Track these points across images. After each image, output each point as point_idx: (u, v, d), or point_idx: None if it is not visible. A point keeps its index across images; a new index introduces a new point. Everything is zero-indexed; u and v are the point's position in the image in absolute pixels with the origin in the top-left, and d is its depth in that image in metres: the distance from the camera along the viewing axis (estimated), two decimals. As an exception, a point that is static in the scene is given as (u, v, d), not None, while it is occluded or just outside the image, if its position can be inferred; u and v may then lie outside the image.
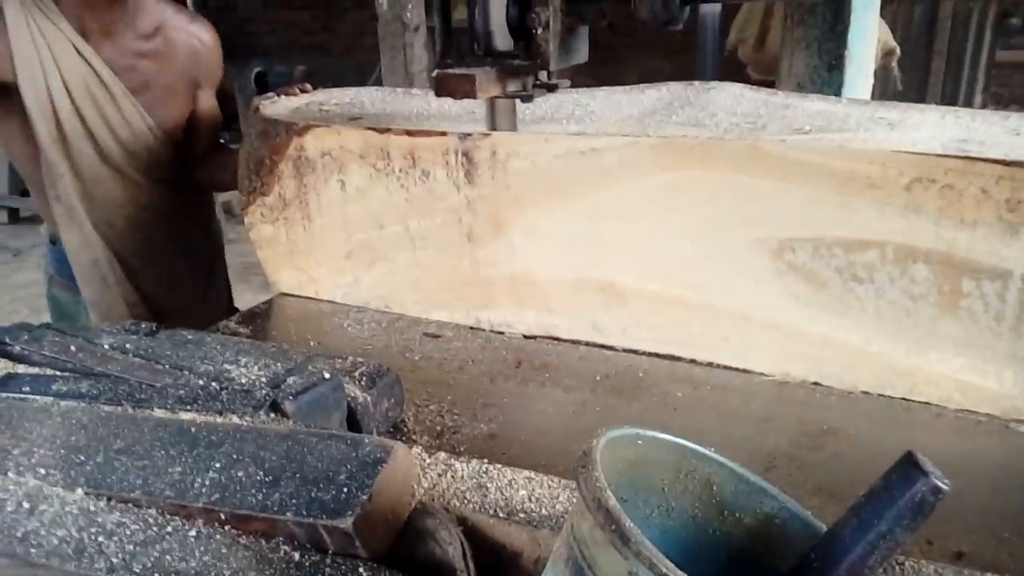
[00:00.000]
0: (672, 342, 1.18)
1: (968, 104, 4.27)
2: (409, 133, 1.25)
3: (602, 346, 1.22)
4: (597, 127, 1.21)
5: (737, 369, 1.14)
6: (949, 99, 4.24)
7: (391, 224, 1.33)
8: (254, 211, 1.46)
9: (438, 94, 1.09)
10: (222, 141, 1.95)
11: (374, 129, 1.28)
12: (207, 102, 1.85)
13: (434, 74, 1.09)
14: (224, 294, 2.02)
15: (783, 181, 1.02)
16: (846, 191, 0.99)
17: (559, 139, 1.16)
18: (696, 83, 1.42)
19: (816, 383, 1.09)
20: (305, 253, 1.44)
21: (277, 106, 1.51)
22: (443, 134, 1.22)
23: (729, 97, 1.33)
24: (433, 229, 1.29)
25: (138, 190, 1.76)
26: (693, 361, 1.16)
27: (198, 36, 1.80)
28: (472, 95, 1.07)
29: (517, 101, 1.18)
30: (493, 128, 1.19)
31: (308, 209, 1.40)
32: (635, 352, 1.20)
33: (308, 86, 1.65)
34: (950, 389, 1.01)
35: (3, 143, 1.74)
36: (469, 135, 1.20)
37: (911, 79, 4.13)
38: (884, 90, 3.90)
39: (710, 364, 1.15)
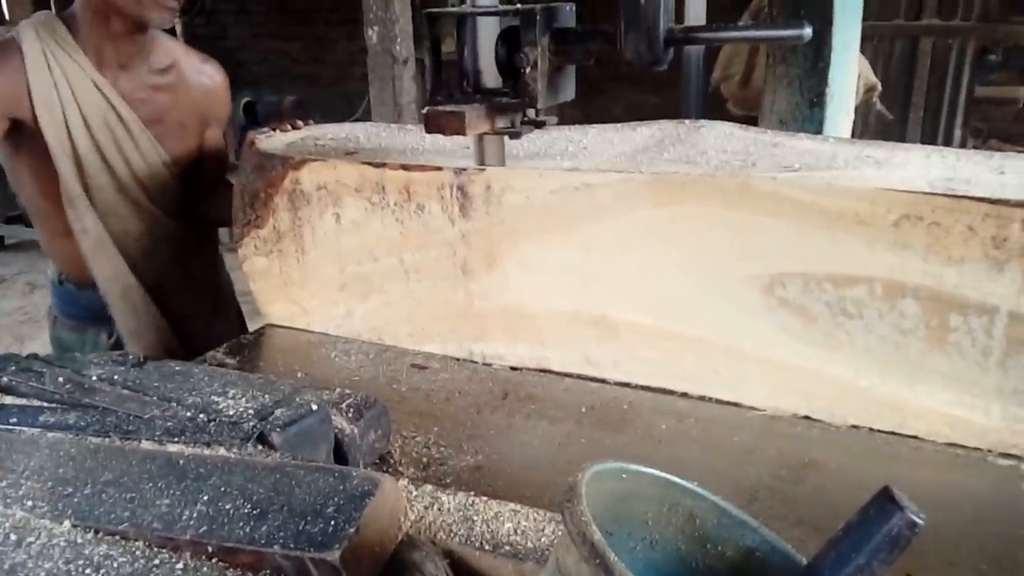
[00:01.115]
0: (664, 375, 1.19)
1: (948, 138, 4.34)
2: (405, 167, 1.27)
3: (593, 379, 1.23)
4: (591, 163, 1.23)
5: (728, 403, 1.15)
6: (929, 134, 4.31)
7: (385, 257, 1.34)
8: (248, 243, 1.47)
9: (428, 130, 1.11)
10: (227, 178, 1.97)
11: (370, 163, 1.30)
12: (215, 139, 1.88)
13: (424, 111, 1.11)
14: (235, 325, 2.02)
15: (774, 217, 1.05)
16: (835, 227, 1.01)
17: (553, 174, 1.18)
18: (687, 121, 1.44)
19: (807, 417, 1.10)
20: (298, 285, 1.45)
21: (272, 140, 1.53)
22: (438, 169, 1.24)
23: (719, 135, 1.36)
24: (427, 262, 1.31)
25: (153, 222, 1.77)
26: (685, 394, 1.18)
27: (209, 75, 1.83)
28: (461, 132, 1.08)
29: (506, 137, 1.20)
30: (482, 163, 1.21)
31: (302, 242, 1.41)
32: (627, 385, 1.21)
33: (300, 122, 1.66)
34: (938, 423, 1.03)
35: (15, 182, 1.74)
36: (464, 170, 1.22)
37: (892, 114, 4.20)
38: (865, 125, 3.96)
39: (702, 398, 1.17)
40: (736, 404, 1.14)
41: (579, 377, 1.24)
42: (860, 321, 1.03)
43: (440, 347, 1.35)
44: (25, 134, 1.61)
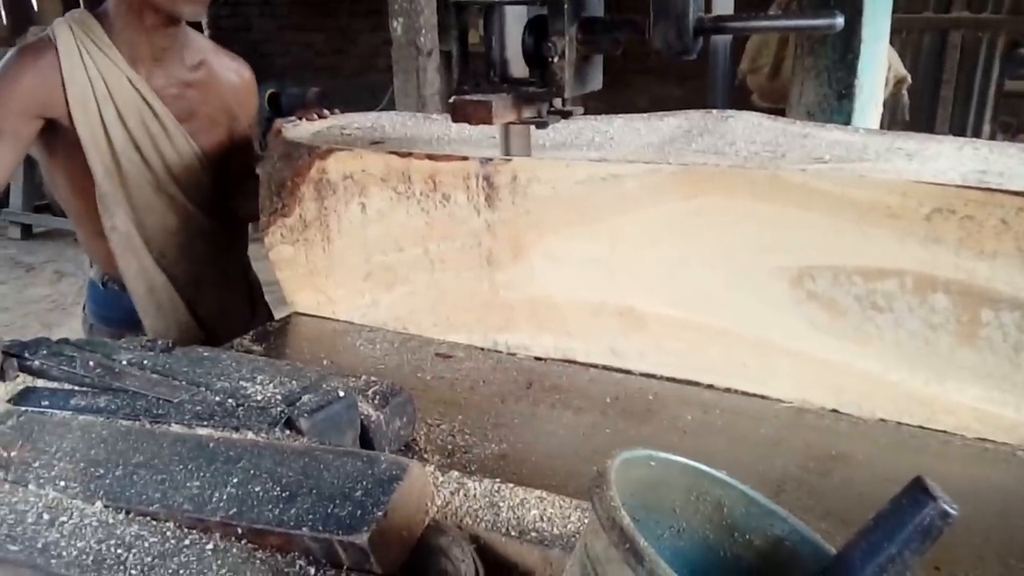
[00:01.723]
0: (690, 367, 1.18)
1: (976, 132, 4.29)
2: (430, 157, 1.27)
3: (619, 370, 1.23)
4: (618, 154, 1.23)
5: (756, 395, 1.14)
6: (958, 128, 4.26)
7: (411, 247, 1.34)
8: (274, 232, 1.48)
9: (454, 120, 1.11)
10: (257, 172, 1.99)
11: (396, 153, 1.30)
12: (243, 134, 1.89)
13: (451, 100, 1.11)
14: (265, 322, 2.02)
15: (803, 210, 1.04)
16: (866, 220, 1.00)
17: (580, 165, 1.17)
18: (714, 111, 1.43)
19: (835, 410, 1.09)
20: (324, 274, 1.45)
21: (299, 129, 1.53)
22: (464, 159, 1.24)
23: (747, 126, 1.35)
24: (453, 252, 1.31)
25: (189, 218, 1.78)
26: (711, 386, 1.17)
27: (238, 72, 1.84)
28: (488, 121, 1.09)
29: (532, 127, 1.20)
30: (507, 153, 1.21)
31: (328, 231, 1.41)
32: (653, 376, 1.20)
33: (327, 111, 1.67)
34: (968, 418, 1.02)
35: (51, 183, 1.76)
36: (490, 160, 1.22)
37: (920, 108, 4.15)
38: (894, 118, 3.92)
39: (728, 390, 1.16)
40: (764, 397, 1.13)
41: (604, 368, 1.24)
42: (890, 315, 1.02)
43: (465, 337, 1.35)
44: (59, 133, 1.62)
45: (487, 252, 1.28)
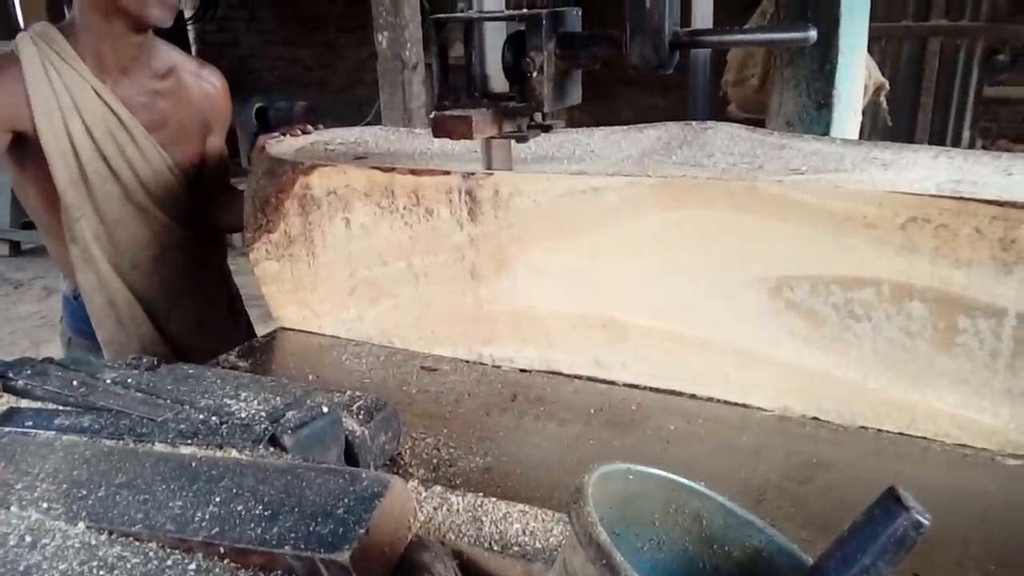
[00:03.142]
0: (672, 377, 1.19)
1: (956, 139, 4.32)
2: (413, 172, 1.28)
3: (603, 380, 1.24)
4: (598, 167, 1.24)
5: (737, 404, 1.15)
6: (938, 134, 4.29)
7: (395, 261, 1.35)
8: (259, 248, 1.49)
9: (435, 135, 1.12)
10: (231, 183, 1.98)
11: (379, 168, 1.31)
12: (217, 146, 1.89)
13: (431, 116, 1.12)
14: (246, 333, 2.02)
15: (781, 220, 1.05)
16: (843, 230, 1.01)
17: (561, 179, 1.18)
18: (693, 123, 1.45)
19: (816, 418, 1.10)
20: (309, 289, 1.46)
21: (283, 145, 1.54)
22: (447, 173, 1.25)
23: (726, 137, 1.36)
24: (436, 266, 1.32)
25: (161, 229, 1.78)
26: (693, 396, 1.18)
27: (209, 80, 1.84)
28: (469, 136, 1.09)
29: (513, 141, 1.21)
30: (489, 167, 1.22)
31: (313, 246, 1.42)
32: (636, 387, 1.21)
33: (310, 127, 1.67)
34: (948, 425, 1.03)
35: (21, 195, 1.75)
36: (472, 174, 1.23)
37: (900, 115, 4.19)
38: (874, 125, 3.95)
39: (710, 399, 1.17)
40: (745, 405, 1.14)
41: (588, 379, 1.25)
42: (868, 323, 1.03)
43: (450, 350, 1.36)
44: (28, 147, 1.62)
45: (470, 266, 1.29)
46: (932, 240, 0.97)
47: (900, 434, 1.05)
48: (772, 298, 1.08)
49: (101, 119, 1.63)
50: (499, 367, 1.31)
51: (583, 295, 1.22)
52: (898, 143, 1.27)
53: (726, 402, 1.16)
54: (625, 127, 1.48)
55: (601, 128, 1.49)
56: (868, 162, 1.16)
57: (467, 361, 1.34)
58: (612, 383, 1.23)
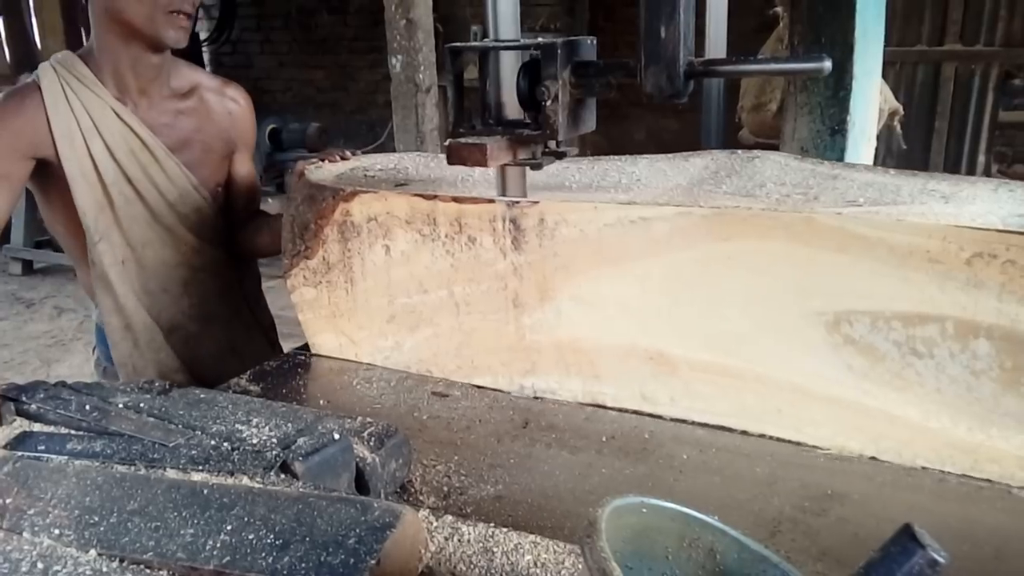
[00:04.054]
0: (723, 413, 1.16)
1: (972, 164, 4.32)
2: (456, 200, 1.26)
3: (649, 415, 1.21)
4: (646, 196, 1.21)
5: (791, 442, 1.12)
6: (953, 159, 4.29)
7: (435, 289, 1.33)
8: (297, 274, 1.47)
9: (450, 162, 1.12)
10: (262, 207, 1.95)
11: (421, 196, 1.29)
12: (245, 166, 1.87)
13: (447, 143, 1.12)
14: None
15: (840, 253, 1.03)
16: (906, 264, 0.99)
17: (609, 208, 1.16)
18: (739, 152, 1.42)
19: (873, 458, 1.07)
20: (347, 316, 1.44)
21: (322, 171, 1.52)
22: (491, 201, 1.23)
23: (775, 167, 1.33)
24: (478, 295, 1.30)
25: (190, 251, 1.75)
26: (745, 433, 1.15)
27: (233, 97, 1.82)
28: (483, 163, 1.10)
29: (527, 168, 1.21)
30: (503, 194, 1.22)
31: (352, 273, 1.40)
32: (684, 422, 1.19)
33: (348, 153, 1.65)
34: (1013, 466, 1.00)
35: (50, 224, 1.74)
36: (517, 203, 1.22)
37: (915, 140, 4.19)
38: (888, 150, 3.95)
39: (762, 436, 1.14)
40: (798, 444, 1.11)
41: (634, 413, 1.22)
42: (930, 361, 1.00)
43: (490, 380, 1.33)
44: (51, 173, 1.62)
45: (513, 295, 1.27)
46: (999, 276, 0.94)
47: (965, 476, 1.02)
48: (830, 333, 1.06)
49: (122, 140, 1.63)
50: (509, 393, 1.30)
51: (630, 327, 1.19)
52: (954, 175, 1.23)
53: (780, 439, 1.13)
54: (669, 155, 1.45)
55: (644, 156, 1.47)
56: (926, 194, 1.12)
57: (479, 387, 1.33)
58: (660, 418, 1.20)
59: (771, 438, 1.13)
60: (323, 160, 1.60)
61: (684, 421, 1.19)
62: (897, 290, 1.00)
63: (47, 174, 1.63)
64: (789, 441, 1.12)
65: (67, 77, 1.61)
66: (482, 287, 1.29)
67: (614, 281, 1.19)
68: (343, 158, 1.63)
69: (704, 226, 1.10)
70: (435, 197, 1.28)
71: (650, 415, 1.21)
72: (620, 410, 1.23)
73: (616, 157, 1.48)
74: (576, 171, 1.39)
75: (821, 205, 1.09)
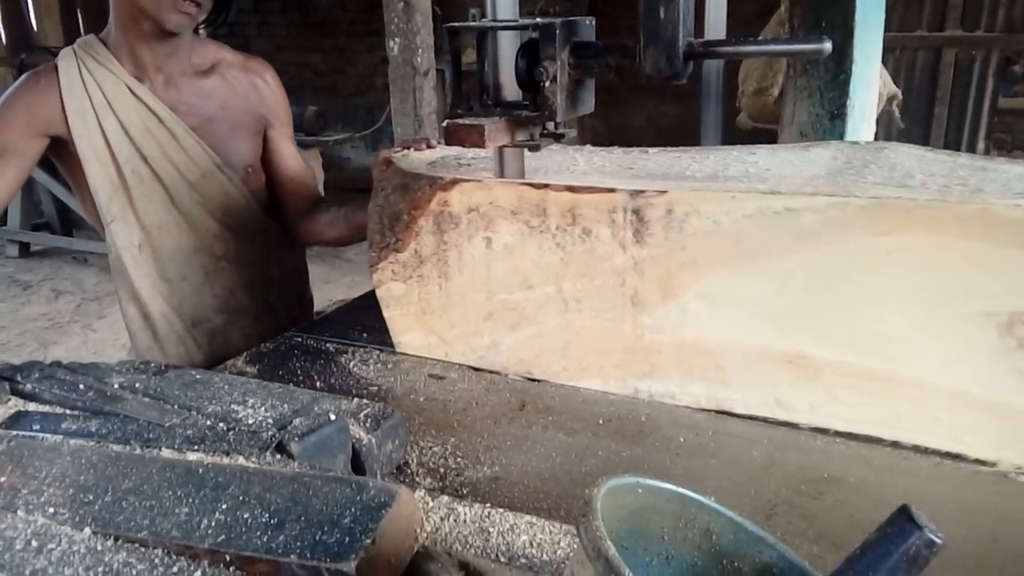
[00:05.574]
0: (871, 421, 1.08)
1: (971, 149, 4.32)
2: (571, 189, 1.18)
3: (784, 423, 1.13)
4: (787, 186, 1.11)
5: (948, 454, 1.04)
6: (952, 145, 4.29)
7: (541, 285, 1.25)
8: (385, 268, 1.37)
9: (448, 143, 1.12)
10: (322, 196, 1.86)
11: (530, 184, 1.21)
12: (286, 147, 1.79)
13: (444, 124, 1.12)
14: None
15: (1017, 249, 0.95)
16: None
17: (749, 198, 1.08)
18: (861, 142, 1.34)
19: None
20: (439, 314, 1.35)
21: (410, 160, 1.42)
22: (611, 190, 1.15)
23: (910, 157, 1.25)
24: (591, 291, 1.21)
25: (211, 238, 1.68)
26: (896, 444, 1.07)
27: (258, 72, 1.75)
28: (481, 145, 1.09)
29: (525, 149, 1.21)
30: (501, 175, 1.21)
31: (446, 267, 1.31)
32: (824, 432, 1.10)
33: (432, 141, 1.55)
34: None
35: (80, 209, 1.70)
36: (642, 192, 1.13)
37: (914, 125, 4.18)
38: (888, 134, 3.94)
39: (917, 447, 1.06)
40: (957, 456, 1.03)
41: (765, 421, 1.13)
42: None
43: (600, 383, 1.25)
44: (68, 153, 1.60)
45: (632, 291, 1.18)
46: None
47: (914, 448, 1.02)
48: (1002, 335, 0.98)
49: (137, 117, 1.59)
50: (505, 375, 1.30)
51: (766, 327, 1.11)
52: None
53: (936, 451, 1.05)
54: (787, 145, 1.37)
55: (759, 146, 1.36)
56: None
57: (476, 370, 1.32)
58: (795, 426, 1.12)
59: (927, 450, 1.05)
60: (409, 148, 1.50)
61: (825, 431, 1.10)
62: None
63: (64, 152, 1.61)
64: (947, 453, 1.04)
65: (84, 57, 1.60)
66: (596, 283, 1.20)
67: (751, 277, 1.10)
68: (429, 146, 1.53)
69: (861, 218, 1.02)
70: (546, 186, 1.19)
71: (784, 424, 1.13)
72: (750, 418, 1.15)
73: (730, 148, 1.37)
74: (690, 160, 1.30)
75: (992, 197, 0.99)
